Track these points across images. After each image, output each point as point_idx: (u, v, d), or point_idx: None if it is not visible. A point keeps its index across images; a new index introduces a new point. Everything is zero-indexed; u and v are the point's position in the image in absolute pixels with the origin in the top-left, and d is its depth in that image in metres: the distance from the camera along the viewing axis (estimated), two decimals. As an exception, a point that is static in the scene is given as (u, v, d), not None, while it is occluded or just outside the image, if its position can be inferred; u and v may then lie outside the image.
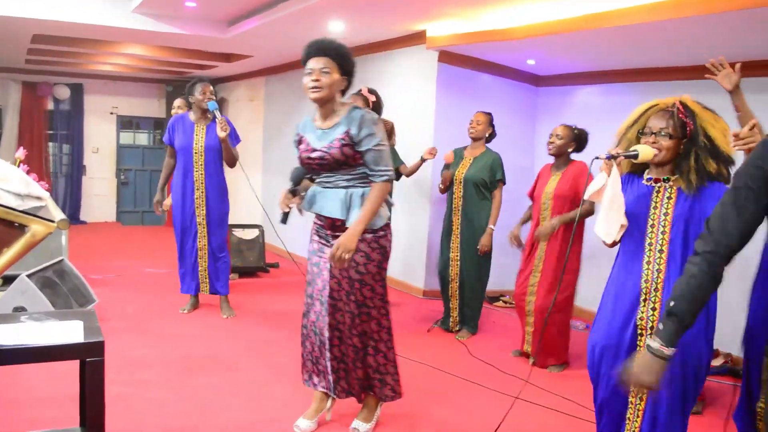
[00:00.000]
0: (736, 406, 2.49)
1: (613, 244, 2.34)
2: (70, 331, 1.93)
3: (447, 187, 4.85)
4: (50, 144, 10.47)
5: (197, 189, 4.84)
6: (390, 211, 3.35)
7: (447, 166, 4.85)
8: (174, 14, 6.12)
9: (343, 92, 2.91)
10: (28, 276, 4.18)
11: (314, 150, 2.84)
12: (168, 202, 5.17)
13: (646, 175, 2.28)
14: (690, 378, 2.15)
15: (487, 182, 4.67)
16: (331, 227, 2.91)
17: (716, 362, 4.23)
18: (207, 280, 4.97)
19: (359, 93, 4.66)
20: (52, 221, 1.83)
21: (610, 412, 2.32)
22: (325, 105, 2.84)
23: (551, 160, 4.27)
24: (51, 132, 10.45)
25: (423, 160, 5.06)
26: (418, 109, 5.95)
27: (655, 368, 1.75)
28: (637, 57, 5.08)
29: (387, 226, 2.93)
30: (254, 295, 5.92)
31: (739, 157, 2.11)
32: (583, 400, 3.46)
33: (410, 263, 6.14)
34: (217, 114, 4.61)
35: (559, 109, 6.12)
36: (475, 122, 4.78)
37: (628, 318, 2.23)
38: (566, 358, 4.25)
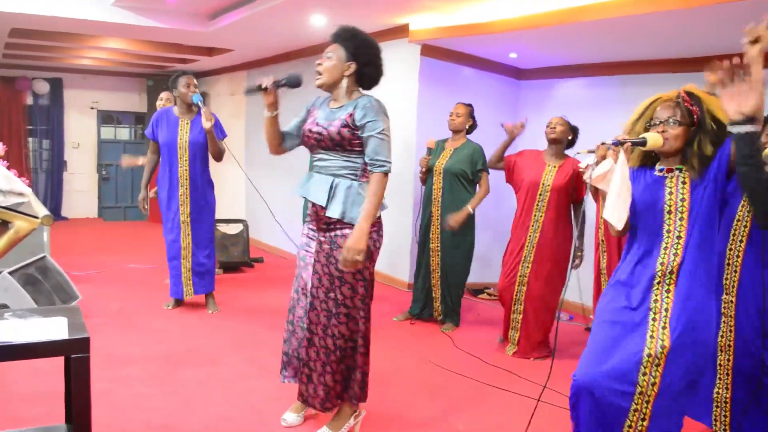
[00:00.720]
0: None
1: (619, 234, 2.35)
2: (55, 328, 1.93)
3: (425, 175, 4.84)
4: (30, 139, 10.33)
5: (182, 185, 4.77)
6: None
7: (429, 151, 4.84)
8: (154, 7, 6.06)
9: (360, 79, 2.84)
10: (10, 273, 4.15)
11: (317, 125, 2.80)
12: (151, 195, 5.13)
13: (658, 167, 2.28)
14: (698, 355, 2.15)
15: (467, 173, 4.65)
16: (316, 218, 2.85)
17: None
18: (190, 282, 4.86)
19: None
20: (36, 217, 1.82)
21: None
22: (334, 90, 2.82)
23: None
24: (30, 127, 10.32)
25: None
26: (400, 102, 5.95)
27: None
28: (618, 50, 5.13)
29: (374, 224, 2.78)
30: (239, 290, 5.91)
31: None
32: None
33: (395, 256, 6.16)
34: (201, 105, 4.58)
35: (541, 103, 6.16)
36: (455, 113, 4.77)
37: (642, 301, 2.22)
38: (549, 350, 4.30)
